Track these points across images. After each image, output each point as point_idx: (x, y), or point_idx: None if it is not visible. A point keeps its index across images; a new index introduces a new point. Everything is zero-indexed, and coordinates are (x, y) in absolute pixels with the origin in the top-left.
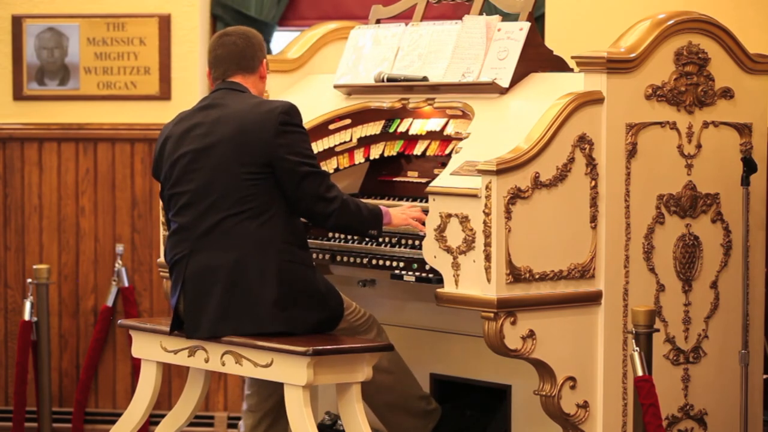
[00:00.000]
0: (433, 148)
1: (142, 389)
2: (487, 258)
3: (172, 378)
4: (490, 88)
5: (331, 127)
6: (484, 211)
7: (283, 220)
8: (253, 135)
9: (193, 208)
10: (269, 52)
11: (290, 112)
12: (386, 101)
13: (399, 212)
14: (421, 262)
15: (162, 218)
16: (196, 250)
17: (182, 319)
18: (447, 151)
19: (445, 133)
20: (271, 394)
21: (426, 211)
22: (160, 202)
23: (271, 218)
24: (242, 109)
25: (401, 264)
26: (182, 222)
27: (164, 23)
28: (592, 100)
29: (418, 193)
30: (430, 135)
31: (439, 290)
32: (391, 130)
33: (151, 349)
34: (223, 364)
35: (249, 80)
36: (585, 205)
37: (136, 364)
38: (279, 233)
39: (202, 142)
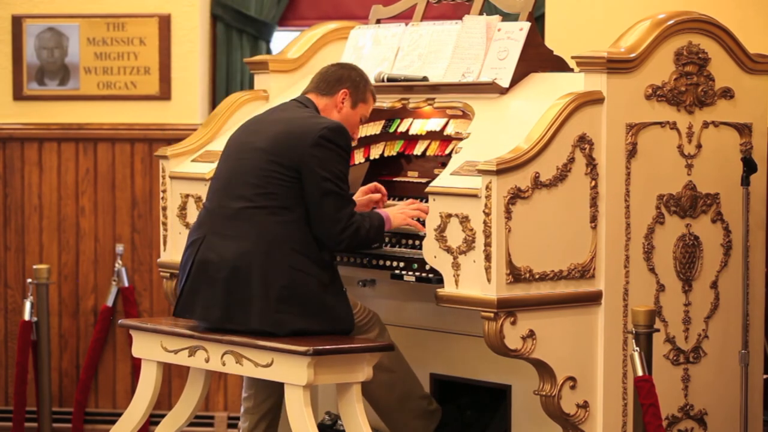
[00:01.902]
0: (433, 148)
1: (142, 389)
2: (487, 258)
3: (172, 378)
4: (490, 88)
5: None
6: (484, 211)
7: (301, 226)
8: (292, 140)
9: (220, 193)
10: (269, 52)
11: (335, 130)
12: (386, 101)
13: (397, 212)
14: (421, 262)
15: (162, 218)
16: (212, 233)
17: (182, 299)
18: (447, 151)
19: (445, 133)
20: (269, 396)
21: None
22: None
23: (290, 221)
24: (296, 117)
25: (401, 264)
26: (209, 206)
27: (164, 23)
28: (592, 100)
29: (418, 193)
30: (430, 135)
31: (439, 290)
32: (391, 130)
33: (152, 349)
34: (224, 364)
35: (321, 102)
36: (585, 205)
37: (136, 364)
38: (293, 237)
39: (249, 138)
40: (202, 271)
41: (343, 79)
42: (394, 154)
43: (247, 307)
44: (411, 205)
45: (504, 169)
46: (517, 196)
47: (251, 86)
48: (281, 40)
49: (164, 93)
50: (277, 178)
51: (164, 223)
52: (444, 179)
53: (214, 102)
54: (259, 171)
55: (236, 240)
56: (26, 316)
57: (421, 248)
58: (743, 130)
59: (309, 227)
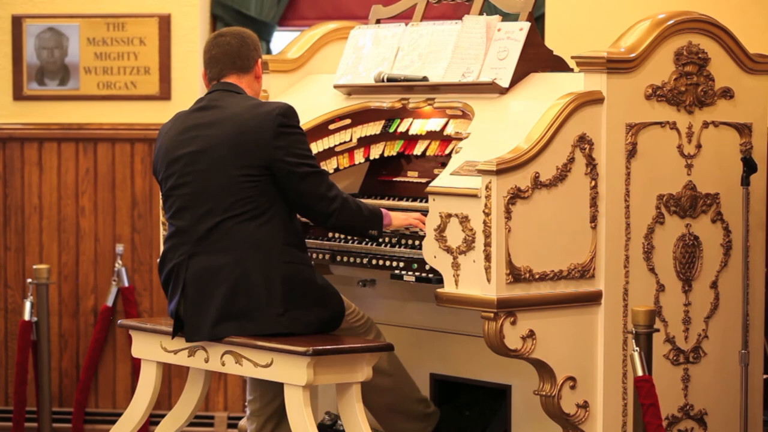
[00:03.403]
0: (433, 148)
1: (142, 389)
2: (487, 258)
3: (172, 378)
4: (490, 88)
5: (331, 127)
6: (484, 211)
7: (282, 222)
8: (251, 138)
9: (191, 211)
10: (269, 52)
11: (287, 114)
12: (386, 101)
13: (400, 214)
14: (421, 262)
15: (162, 218)
16: (196, 253)
17: (183, 322)
18: (447, 151)
19: (445, 133)
20: (273, 399)
21: (426, 212)
22: (161, 202)
23: (269, 219)
24: (239, 111)
25: (401, 264)
26: (180, 225)
27: (164, 23)
28: (592, 100)
29: (418, 193)
30: (430, 135)
31: (439, 290)
32: (391, 130)
33: (151, 349)
34: (223, 364)
35: (244, 80)
36: (585, 205)
37: (136, 364)
38: (278, 234)
39: (199, 145)
40: (197, 290)
41: (251, 47)
42: (394, 154)
43: (257, 316)
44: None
45: (504, 169)
46: (517, 196)
47: None
48: (281, 40)
49: (164, 93)
50: (250, 181)
51: (164, 223)
52: (444, 179)
53: None
54: (229, 180)
55: (224, 254)
56: (26, 316)
57: (421, 248)
58: (743, 130)
59: (287, 216)
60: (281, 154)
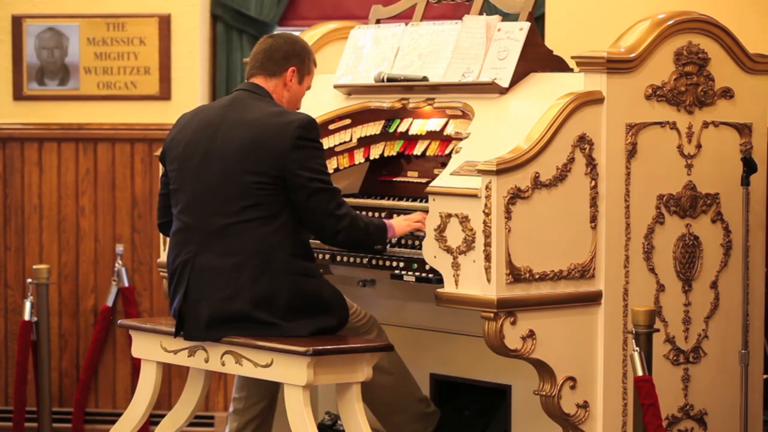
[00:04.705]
0: (433, 148)
1: (142, 389)
2: (487, 258)
3: (172, 378)
4: (490, 88)
5: (331, 127)
6: (484, 211)
7: (291, 230)
8: (268, 146)
9: (200, 209)
10: None
11: (307, 127)
12: (386, 101)
13: (401, 220)
14: (421, 262)
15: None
16: (201, 252)
17: (184, 320)
18: (447, 151)
19: (445, 133)
20: (261, 399)
21: (426, 211)
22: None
23: (279, 228)
24: (260, 117)
25: (401, 264)
26: (187, 222)
27: (164, 23)
28: (592, 100)
29: (418, 193)
30: (430, 135)
31: (439, 290)
32: (391, 130)
33: (151, 349)
34: (223, 364)
35: (270, 84)
36: (585, 205)
37: (136, 364)
38: (286, 243)
39: (216, 144)
40: (200, 290)
41: (290, 55)
42: (394, 154)
43: (258, 323)
44: (413, 216)
45: (504, 169)
46: (517, 196)
47: None
48: None
49: (164, 93)
50: (261, 188)
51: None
52: (444, 179)
53: None
54: (240, 185)
55: (230, 257)
56: (26, 316)
57: (421, 248)
58: (743, 130)
59: (296, 226)
60: (295, 166)
